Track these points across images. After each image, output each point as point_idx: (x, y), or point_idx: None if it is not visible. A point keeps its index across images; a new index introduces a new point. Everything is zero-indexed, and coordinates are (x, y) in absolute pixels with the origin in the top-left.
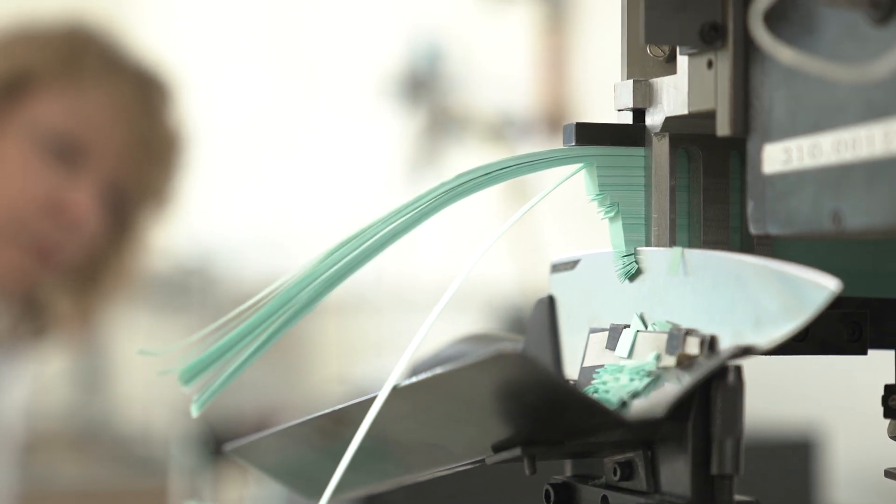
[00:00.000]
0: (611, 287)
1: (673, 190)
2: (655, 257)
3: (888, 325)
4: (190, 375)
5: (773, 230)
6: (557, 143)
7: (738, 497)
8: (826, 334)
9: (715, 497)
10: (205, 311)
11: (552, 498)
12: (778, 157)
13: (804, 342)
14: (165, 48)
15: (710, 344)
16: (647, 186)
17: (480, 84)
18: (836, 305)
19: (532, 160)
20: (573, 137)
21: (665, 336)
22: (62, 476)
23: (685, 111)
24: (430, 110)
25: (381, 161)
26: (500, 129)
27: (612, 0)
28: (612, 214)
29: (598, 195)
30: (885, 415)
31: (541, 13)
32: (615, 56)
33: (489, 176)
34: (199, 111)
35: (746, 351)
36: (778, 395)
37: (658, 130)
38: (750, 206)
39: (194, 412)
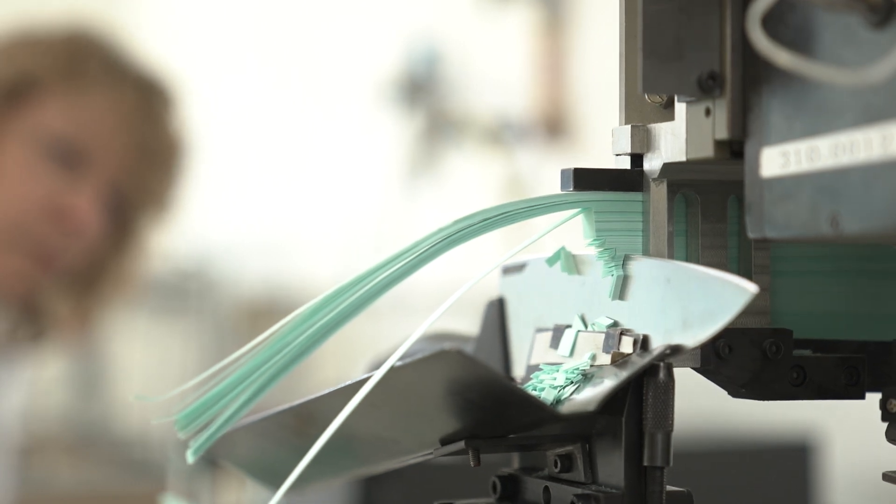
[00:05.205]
0: (556, 289)
1: (671, 235)
2: (596, 263)
3: (884, 367)
4: (187, 422)
5: (771, 234)
6: (555, 147)
7: (669, 488)
8: (823, 379)
9: (647, 487)
10: (203, 315)
11: (498, 489)
12: (776, 160)
13: (802, 387)
14: (167, 54)
15: (642, 343)
16: (645, 232)
17: (478, 87)
18: (833, 350)
19: (530, 206)
20: (571, 183)
21: (603, 335)
22: (60, 480)
23: (683, 158)
24: (428, 114)
25: (379, 165)
26: (498, 133)
27: (610, 3)
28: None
29: (595, 240)
30: (883, 418)
31: (538, 16)
32: (612, 59)
33: (487, 222)
34: (199, 116)
35: (675, 350)
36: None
37: (656, 176)
38: (748, 209)
39: (190, 458)
